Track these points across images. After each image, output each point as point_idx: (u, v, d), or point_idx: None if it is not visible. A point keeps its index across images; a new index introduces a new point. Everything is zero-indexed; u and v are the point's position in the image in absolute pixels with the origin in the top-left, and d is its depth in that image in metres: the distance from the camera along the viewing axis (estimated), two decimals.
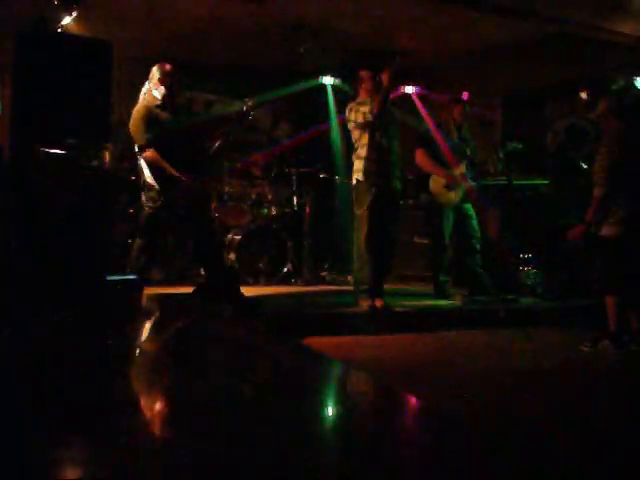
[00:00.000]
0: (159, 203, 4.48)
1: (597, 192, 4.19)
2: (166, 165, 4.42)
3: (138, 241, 4.65)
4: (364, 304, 4.88)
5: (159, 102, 4.56)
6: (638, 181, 4.21)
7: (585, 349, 4.22)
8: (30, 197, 3.53)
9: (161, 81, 4.59)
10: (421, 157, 5.54)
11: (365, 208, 4.84)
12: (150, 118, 4.45)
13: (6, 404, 1.29)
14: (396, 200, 5.04)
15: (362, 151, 4.90)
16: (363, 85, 5.02)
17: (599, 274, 4.41)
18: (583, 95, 6.23)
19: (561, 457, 2.07)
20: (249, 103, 4.78)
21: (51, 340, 2.10)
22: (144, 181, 4.53)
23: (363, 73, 5.03)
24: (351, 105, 5.02)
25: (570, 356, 4.20)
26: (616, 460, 2.18)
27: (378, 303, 4.88)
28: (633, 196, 4.17)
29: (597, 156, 4.27)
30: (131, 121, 4.52)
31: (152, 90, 4.58)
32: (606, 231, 4.20)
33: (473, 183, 5.56)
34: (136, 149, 4.56)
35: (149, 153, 4.42)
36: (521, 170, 6.14)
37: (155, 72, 4.64)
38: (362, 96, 5.02)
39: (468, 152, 5.60)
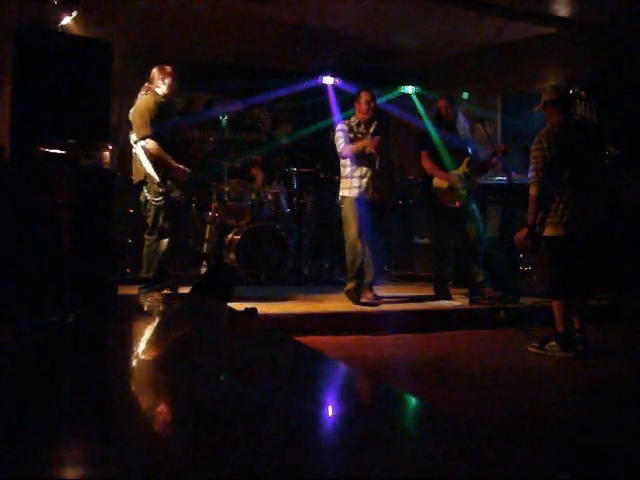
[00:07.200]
0: (161, 194, 4.53)
1: (531, 191, 4.06)
2: (167, 156, 4.51)
3: (149, 238, 4.65)
4: (366, 297, 5.16)
5: (162, 100, 4.63)
6: (579, 179, 4.01)
7: (533, 350, 4.11)
8: (30, 197, 3.53)
9: (161, 82, 4.64)
10: (425, 161, 5.54)
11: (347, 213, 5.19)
12: (156, 111, 4.52)
13: (5, 405, 1.29)
14: (379, 209, 5.29)
15: (357, 170, 5.19)
16: (359, 105, 5.26)
17: (546, 276, 4.27)
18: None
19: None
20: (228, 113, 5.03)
21: (51, 341, 2.11)
22: (146, 175, 4.55)
23: (363, 94, 5.24)
24: (346, 124, 5.27)
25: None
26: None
27: (366, 297, 5.20)
28: (574, 195, 3.99)
29: (531, 153, 4.09)
30: (136, 111, 4.56)
31: (154, 89, 4.64)
32: (548, 232, 4.05)
33: (474, 180, 5.56)
34: (133, 140, 4.58)
35: (151, 144, 4.47)
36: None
37: (155, 73, 4.69)
38: (358, 116, 5.29)
39: (469, 150, 5.58)
